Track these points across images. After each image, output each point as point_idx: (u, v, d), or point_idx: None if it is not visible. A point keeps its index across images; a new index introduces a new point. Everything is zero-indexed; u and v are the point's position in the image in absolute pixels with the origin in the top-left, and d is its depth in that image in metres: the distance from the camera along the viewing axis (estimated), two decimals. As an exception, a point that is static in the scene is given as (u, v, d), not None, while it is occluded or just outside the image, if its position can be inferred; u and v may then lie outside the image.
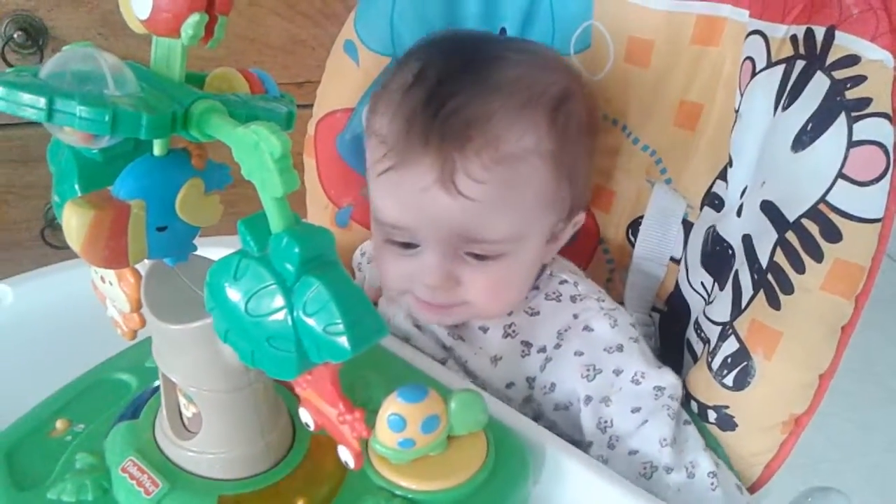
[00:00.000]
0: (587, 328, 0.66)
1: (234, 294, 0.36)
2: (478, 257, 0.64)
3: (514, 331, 0.67)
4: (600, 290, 0.71)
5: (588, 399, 0.63)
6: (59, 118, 0.33)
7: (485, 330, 0.68)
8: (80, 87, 0.34)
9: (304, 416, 0.44)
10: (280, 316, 0.35)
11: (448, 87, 0.62)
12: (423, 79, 0.64)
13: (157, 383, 0.52)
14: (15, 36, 0.95)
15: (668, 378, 0.63)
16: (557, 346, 0.66)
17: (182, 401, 0.49)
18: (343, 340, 0.35)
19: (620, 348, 0.64)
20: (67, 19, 0.98)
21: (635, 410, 0.61)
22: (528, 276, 0.68)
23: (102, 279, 0.46)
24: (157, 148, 0.40)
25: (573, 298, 0.68)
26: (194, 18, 0.34)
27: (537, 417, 0.66)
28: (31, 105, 0.33)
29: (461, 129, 0.61)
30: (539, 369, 0.66)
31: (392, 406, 0.50)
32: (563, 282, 0.70)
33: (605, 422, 0.62)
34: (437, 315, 0.67)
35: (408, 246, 0.65)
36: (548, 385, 0.66)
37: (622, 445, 0.61)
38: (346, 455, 0.43)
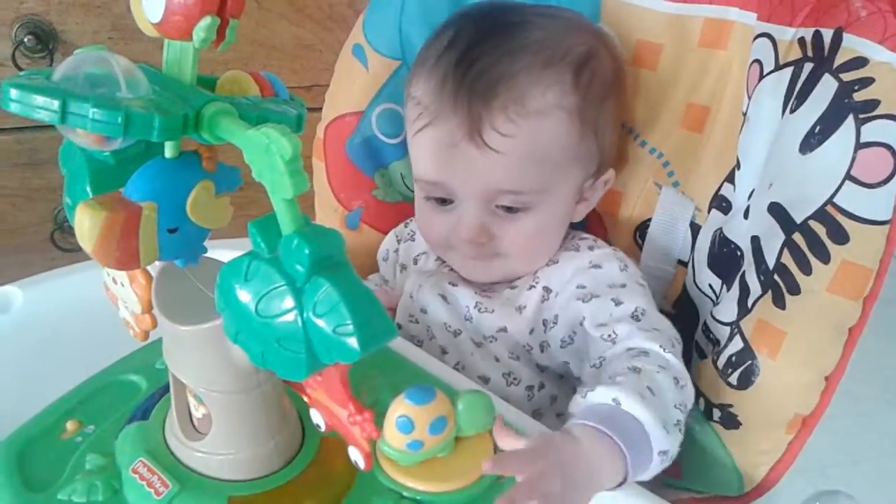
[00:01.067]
0: (596, 266, 0.68)
1: (244, 295, 0.37)
2: (509, 210, 0.67)
3: (536, 281, 0.70)
4: (616, 249, 0.72)
5: (583, 319, 0.64)
6: (73, 120, 0.33)
7: (513, 287, 0.70)
8: (93, 89, 0.34)
9: (316, 416, 0.44)
10: (290, 317, 0.36)
11: (477, 49, 0.67)
12: (455, 44, 0.68)
13: (166, 384, 0.53)
14: (25, 40, 0.96)
15: (666, 322, 0.64)
16: (567, 283, 0.68)
17: (192, 402, 0.49)
18: (352, 341, 0.35)
19: (623, 286, 0.66)
20: (77, 23, 0.99)
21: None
22: (558, 231, 0.71)
23: (114, 281, 0.47)
24: (169, 150, 0.40)
25: (590, 248, 0.71)
26: (206, 22, 0.35)
27: (550, 363, 0.68)
28: (44, 107, 0.33)
29: (488, 87, 0.65)
30: (551, 307, 0.68)
31: (400, 408, 0.50)
32: (582, 238, 0.73)
33: (611, 335, 0.62)
34: (478, 269, 0.71)
35: (444, 202, 0.69)
36: (552, 318, 0.67)
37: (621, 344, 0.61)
38: (356, 455, 0.43)
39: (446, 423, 0.51)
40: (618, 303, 0.64)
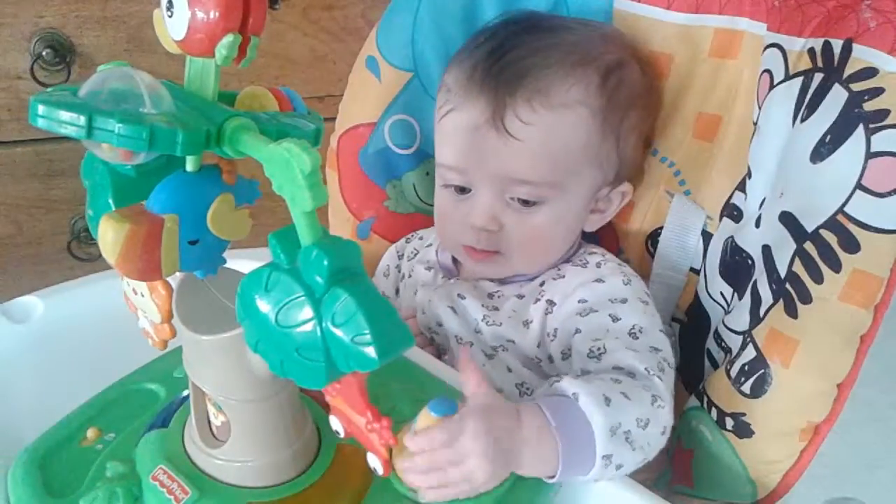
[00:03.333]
0: (599, 280, 0.68)
1: (264, 305, 0.37)
2: (522, 202, 0.68)
3: (541, 294, 0.70)
4: (624, 263, 0.72)
5: (577, 331, 0.64)
6: (99, 135, 0.34)
7: (520, 297, 0.70)
8: (118, 105, 0.35)
9: (335, 423, 0.44)
10: (309, 327, 0.36)
11: (510, 42, 0.69)
12: (492, 38, 0.70)
13: (185, 393, 0.54)
14: (43, 53, 0.97)
15: (666, 344, 0.64)
16: (569, 297, 0.68)
17: (211, 410, 0.50)
18: (370, 350, 0.36)
19: (625, 301, 0.66)
20: (94, 37, 1.00)
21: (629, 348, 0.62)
22: (567, 234, 0.71)
23: (134, 291, 0.48)
24: (190, 164, 0.41)
25: (598, 265, 0.71)
26: (228, 39, 0.35)
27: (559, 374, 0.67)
28: (71, 123, 0.34)
29: (516, 76, 0.66)
30: (552, 320, 0.68)
31: (426, 421, 0.50)
32: (591, 253, 0.73)
33: (599, 349, 0.62)
34: (480, 263, 0.71)
35: (462, 190, 0.70)
36: (552, 332, 0.67)
37: (607, 360, 0.61)
38: (374, 462, 0.44)
39: None
40: (615, 319, 0.64)
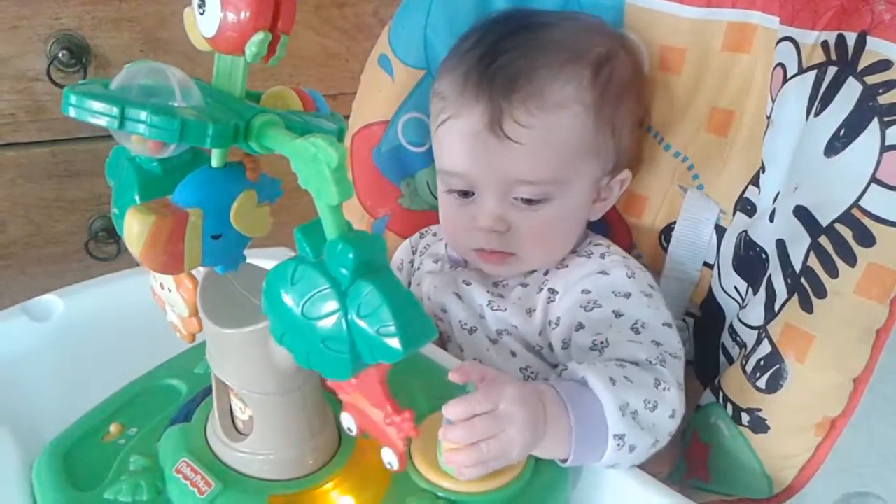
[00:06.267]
0: (603, 272, 0.69)
1: (290, 298, 0.38)
2: (526, 202, 0.68)
3: (545, 284, 0.70)
4: (628, 256, 0.73)
5: (580, 326, 0.65)
6: (131, 126, 0.35)
7: (524, 286, 0.71)
8: (148, 98, 0.36)
9: (346, 420, 0.45)
10: (334, 318, 0.37)
11: (500, 45, 0.69)
12: (480, 42, 0.71)
13: (206, 388, 0.54)
14: (60, 55, 0.98)
15: (669, 337, 0.64)
16: (572, 287, 0.69)
17: (238, 404, 0.50)
18: (395, 342, 0.36)
19: (628, 295, 0.66)
20: (110, 38, 1.01)
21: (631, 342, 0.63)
22: (574, 226, 0.72)
23: (162, 286, 0.48)
24: (216, 160, 0.42)
25: (602, 255, 0.72)
26: (259, 37, 0.36)
27: (555, 364, 0.68)
28: (104, 113, 0.35)
29: (509, 80, 0.67)
30: (555, 309, 0.69)
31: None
32: (597, 244, 0.73)
33: (601, 342, 0.63)
34: (493, 264, 0.72)
35: (465, 194, 0.71)
36: (555, 320, 0.68)
37: (609, 353, 0.62)
38: (389, 457, 0.44)
39: None
40: (618, 314, 0.65)
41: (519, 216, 0.69)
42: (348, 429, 0.46)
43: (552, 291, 0.69)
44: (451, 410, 0.50)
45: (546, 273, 0.71)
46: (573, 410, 0.54)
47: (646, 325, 0.64)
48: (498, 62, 0.68)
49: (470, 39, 0.72)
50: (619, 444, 0.55)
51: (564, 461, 0.55)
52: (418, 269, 0.80)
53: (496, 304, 0.70)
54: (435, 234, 0.82)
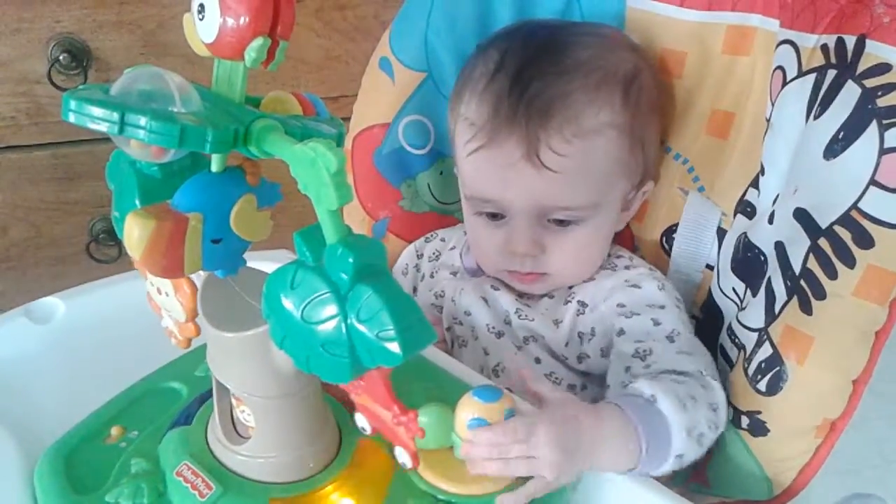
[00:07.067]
0: (634, 286, 0.70)
1: (290, 302, 0.38)
2: (560, 223, 0.70)
3: (572, 296, 0.72)
4: (653, 268, 0.75)
5: (621, 331, 0.67)
6: (131, 131, 0.35)
7: (550, 297, 0.73)
8: (148, 104, 0.36)
9: (360, 420, 0.45)
10: (334, 323, 0.37)
11: (528, 71, 0.68)
12: (505, 66, 0.70)
13: (207, 391, 0.54)
14: (61, 58, 0.98)
15: (701, 347, 0.66)
16: (605, 300, 0.70)
17: (241, 407, 0.50)
18: (394, 346, 0.36)
19: (663, 307, 0.68)
20: (110, 41, 1.01)
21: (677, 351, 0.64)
22: (605, 241, 0.73)
23: (158, 291, 0.48)
24: (216, 164, 0.42)
25: (627, 267, 0.73)
26: (258, 43, 0.36)
27: (588, 370, 0.70)
28: (104, 119, 0.35)
29: (544, 108, 0.67)
30: (586, 321, 0.70)
31: (471, 407, 0.50)
32: (619, 256, 0.75)
33: (644, 350, 0.65)
34: (527, 284, 0.73)
35: (495, 217, 0.71)
36: (588, 331, 0.70)
37: (655, 363, 0.63)
38: (403, 456, 0.44)
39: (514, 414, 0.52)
40: (656, 323, 0.66)
41: (553, 238, 0.70)
42: (362, 428, 0.46)
43: (582, 304, 0.71)
44: (479, 436, 0.49)
45: (571, 286, 0.72)
46: (643, 430, 0.56)
47: (680, 334, 0.66)
48: (530, 91, 0.67)
49: (490, 58, 0.71)
50: (678, 461, 0.57)
51: (630, 471, 0.56)
52: (430, 276, 0.80)
53: (524, 313, 0.71)
54: (444, 241, 0.82)
